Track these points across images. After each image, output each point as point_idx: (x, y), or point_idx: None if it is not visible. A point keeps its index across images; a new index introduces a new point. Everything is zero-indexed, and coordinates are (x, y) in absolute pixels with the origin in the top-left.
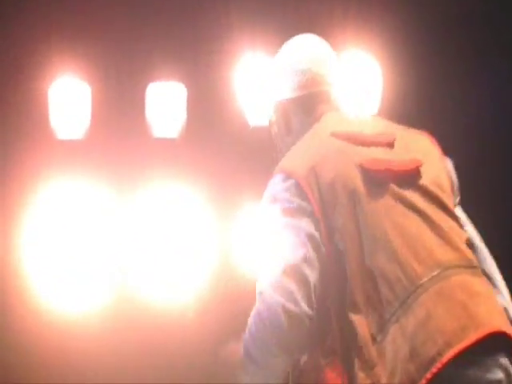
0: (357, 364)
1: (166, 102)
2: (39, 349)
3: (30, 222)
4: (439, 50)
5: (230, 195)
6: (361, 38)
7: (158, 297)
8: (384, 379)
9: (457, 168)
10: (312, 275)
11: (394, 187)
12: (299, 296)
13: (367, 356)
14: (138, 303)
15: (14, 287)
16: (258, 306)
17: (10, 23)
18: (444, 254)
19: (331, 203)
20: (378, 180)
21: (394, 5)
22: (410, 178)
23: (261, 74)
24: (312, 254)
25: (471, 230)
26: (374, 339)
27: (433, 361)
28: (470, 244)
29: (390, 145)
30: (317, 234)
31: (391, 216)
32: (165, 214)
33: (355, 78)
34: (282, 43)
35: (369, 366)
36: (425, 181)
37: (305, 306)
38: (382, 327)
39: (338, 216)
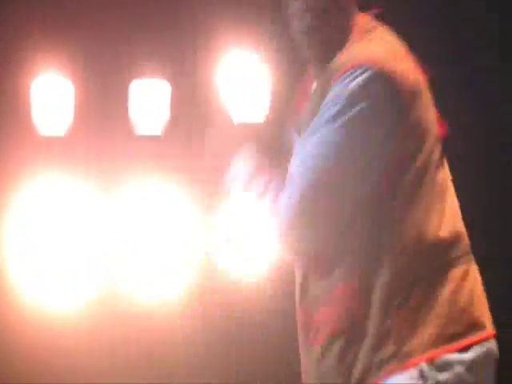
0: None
1: (149, 99)
2: (24, 347)
3: (13, 220)
4: None
5: (214, 192)
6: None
7: (143, 294)
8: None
9: None
10: None
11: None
12: None
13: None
14: (123, 301)
15: None
16: None
17: None
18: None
19: None
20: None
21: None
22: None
23: (245, 71)
24: None
25: None
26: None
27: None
28: None
29: None
30: None
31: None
32: (149, 212)
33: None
34: (266, 41)
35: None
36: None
37: None
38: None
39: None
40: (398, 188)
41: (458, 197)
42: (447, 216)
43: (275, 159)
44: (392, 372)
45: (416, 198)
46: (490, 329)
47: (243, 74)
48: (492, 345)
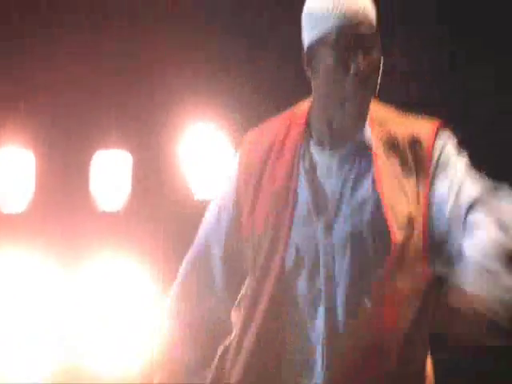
0: None
1: (111, 171)
2: None
3: None
4: None
5: (174, 268)
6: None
7: (105, 369)
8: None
9: None
10: None
11: None
12: None
13: None
14: (84, 376)
15: None
16: None
17: None
18: None
19: None
20: None
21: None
22: None
23: (206, 146)
24: None
25: None
26: None
27: None
28: None
29: None
30: None
31: None
32: (109, 288)
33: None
34: (229, 115)
35: None
36: None
37: None
38: None
39: None
40: None
41: None
42: None
43: None
44: None
45: None
46: None
47: (205, 148)
48: None
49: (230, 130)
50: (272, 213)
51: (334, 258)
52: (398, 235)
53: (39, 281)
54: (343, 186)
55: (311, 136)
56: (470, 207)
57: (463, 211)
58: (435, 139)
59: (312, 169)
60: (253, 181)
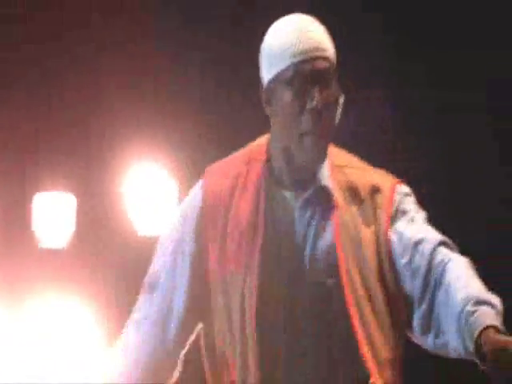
0: None
1: (54, 211)
2: None
3: None
4: None
5: (117, 307)
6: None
7: None
8: None
9: None
10: None
11: None
12: None
13: None
14: None
15: None
16: None
17: None
18: None
19: None
20: None
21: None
22: None
23: (149, 184)
24: None
25: None
26: None
27: None
28: None
29: None
30: None
31: None
32: (51, 327)
33: None
34: (172, 155)
35: None
36: None
37: None
38: None
39: None
40: None
41: None
42: None
43: None
44: None
45: None
46: None
47: (149, 187)
48: None
49: (173, 170)
50: (241, 252)
51: (298, 308)
52: (349, 286)
53: None
54: (306, 233)
55: (271, 174)
56: (439, 244)
57: (431, 245)
58: (395, 190)
59: (274, 210)
60: (220, 215)
